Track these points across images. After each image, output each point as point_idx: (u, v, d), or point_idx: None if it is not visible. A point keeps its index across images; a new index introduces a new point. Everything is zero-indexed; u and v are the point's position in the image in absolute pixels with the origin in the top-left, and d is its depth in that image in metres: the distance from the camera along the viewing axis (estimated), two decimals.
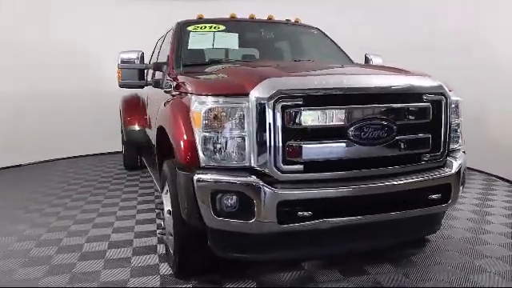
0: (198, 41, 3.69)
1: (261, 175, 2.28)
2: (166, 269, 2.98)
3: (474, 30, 5.73)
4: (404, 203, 2.47)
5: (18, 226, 3.96)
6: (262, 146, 2.28)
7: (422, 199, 2.53)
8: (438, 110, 2.58)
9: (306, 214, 2.25)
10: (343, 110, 2.33)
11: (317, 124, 2.31)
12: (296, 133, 2.29)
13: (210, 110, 2.34)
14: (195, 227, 2.52)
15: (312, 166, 2.31)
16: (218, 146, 2.34)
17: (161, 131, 3.07)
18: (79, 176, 6.27)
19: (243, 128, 2.31)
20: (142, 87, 3.69)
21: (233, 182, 2.27)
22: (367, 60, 4.14)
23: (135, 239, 3.58)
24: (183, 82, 2.83)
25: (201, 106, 2.38)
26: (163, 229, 2.91)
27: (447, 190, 2.59)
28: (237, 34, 3.82)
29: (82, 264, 3.10)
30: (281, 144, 2.26)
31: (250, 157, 2.31)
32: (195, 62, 3.43)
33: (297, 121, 2.28)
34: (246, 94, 2.31)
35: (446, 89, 2.62)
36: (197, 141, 2.38)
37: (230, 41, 3.75)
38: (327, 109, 2.31)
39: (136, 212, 4.37)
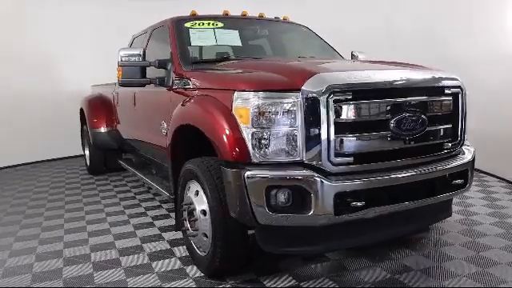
0: (199, 38, 3.60)
1: (312, 169, 2.32)
2: (194, 271, 2.88)
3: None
4: (435, 189, 2.65)
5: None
6: (313, 140, 2.30)
7: (449, 185, 2.72)
8: (456, 102, 2.79)
9: (358, 203, 2.32)
10: (386, 104, 2.43)
11: (364, 117, 2.38)
12: (346, 126, 2.33)
13: (259, 105, 2.32)
14: (241, 225, 2.49)
15: (359, 157, 2.38)
16: (269, 141, 2.32)
17: (179, 131, 2.97)
18: (42, 183, 5.82)
19: (294, 123, 2.31)
20: (143, 85, 3.51)
21: (290, 177, 2.27)
22: (353, 56, 4.31)
23: (144, 244, 3.41)
24: (210, 79, 2.76)
25: (247, 102, 2.35)
26: (195, 230, 2.80)
27: (466, 176, 2.81)
28: (237, 31, 3.78)
29: (102, 275, 2.88)
30: (333, 137, 2.30)
31: (300, 151, 2.33)
32: (202, 59, 3.34)
33: (346, 115, 2.33)
34: (297, 90, 2.32)
35: (462, 82, 2.84)
36: (246, 137, 2.35)
37: (232, 38, 3.70)
38: (373, 103, 2.40)
39: (127, 217, 4.15)
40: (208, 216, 2.62)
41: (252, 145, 2.33)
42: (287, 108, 2.31)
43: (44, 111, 7.32)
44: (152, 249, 3.31)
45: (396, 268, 2.83)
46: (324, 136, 2.29)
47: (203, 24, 3.75)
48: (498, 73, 5.25)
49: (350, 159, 2.35)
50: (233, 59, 3.36)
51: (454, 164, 2.72)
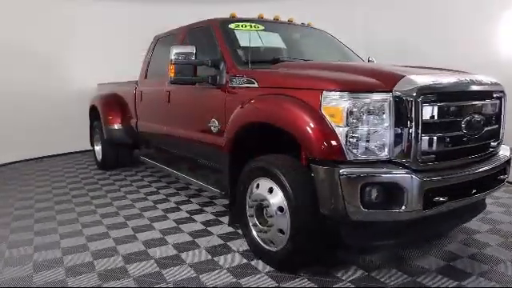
0: (245, 39, 3.33)
1: (401, 166, 2.18)
2: (261, 265, 2.64)
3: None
4: (489, 183, 2.60)
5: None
6: (402, 138, 2.17)
7: (496, 179, 2.69)
8: (500, 105, 2.76)
9: (441, 198, 2.21)
10: (460, 106, 2.36)
11: (444, 118, 2.29)
12: (430, 126, 2.23)
13: (354, 105, 2.15)
14: (323, 221, 2.30)
15: (439, 155, 2.28)
16: (362, 140, 2.16)
17: (243, 129, 2.73)
18: (58, 178, 5.27)
19: (385, 122, 2.16)
20: (194, 84, 3.20)
21: (385, 174, 2.12)
22: (369, 61, 4.22)
23: (196, 239, 3.11)
24: (286, 78, 2.54)
25: (340, 102, 2.17)
26: (269, 226, 2.55)
27: (506, 171, 2.80)
28: (277, 34, 3.55)
29: (171, 273, 2.57)
30: (420, 136, 2.18)
31: (389, 149, 2.18)
32: (255, 60, 3.07)
33: (431, 115, 2.23)
34: (389, 91, 2.17)
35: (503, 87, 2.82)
36: (338, 136, 2.17)
37: (275, 40, 3.47)
38: (452, 105, 2.31)
39: (163, 212, 3.81)
40: (286, 213, 2.40)
41: (345, 143, 2.15)
42: (379, 108, 2.16)
43: (46, 109, 6.68)
44: (206, 244, 3.02)
45: (448, 256, 2.75)
46: (413, 135, 2.17)
47: (245, 26, 3.49)
48: None
49: (433, 157, 2.25)
50: (285, 60, 3.13)
51: (502, 160, 2.70)
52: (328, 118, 2.20)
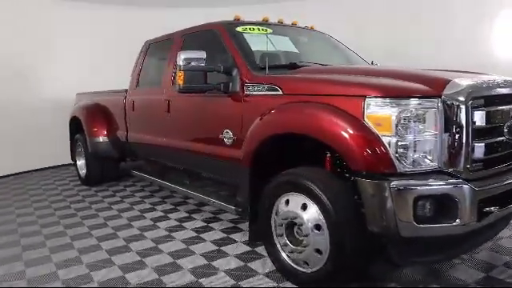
0: (256, 42, 3.11)
1: (452, 176, 2.03)
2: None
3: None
4: None
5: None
6: (452, 146, 2.02)
7: None
8: None
9: (492, 208, 2.07)
10: (503, 110, 2.23)
11: (490, 123, 2.14)
12: (479, 132, 2.09)
13: (403, 112, 1.97)
14: (368, 239, 2.11)
15: (486, 162, 2.15)
16: (413, 150, 1.99)
17: (268, 141, 2.50)
18: (38, 196, 4.79)
19: (435, 130, 2.01)
20: (204, 92, 2.94)
21: (440, 186, 1.96)
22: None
23: (213, 263, 2.82)
24: (318, 84, 2.34)
25: (387, 109, 2.00)
26: (304, 246, 2.32)
27: None
28: (287, 37, 3.35)
29: None
30: (471, 143, 2.03)
31: (439, 158, 2.03)
32: (270, 65, 2.85)
33: (480, 120, 2.08)
34: (437, 96, 2.02)
35: None
36: (387, 146, 1.99)
37: (286, 44, 3.27)
38: (497, 109, 2.19)
39: (166, 231, 3.49)
40: (324, 231, 2.20)
41: (395, 154, 1.98)
42: (430, 115, 2.00)
43: (18, 121, 6.14)
44: (225, 267, 2.76)
45: (482, 266, 2.64)
46: (463, 142, 2.02)
47: (253, 29, 3.28)
48: None
49: (481, 165, 2.11)
50: (303, 65, 2.93)
51: None
52: (373, 126, 2.02)
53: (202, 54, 2.82)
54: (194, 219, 3.80)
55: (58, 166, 6.73)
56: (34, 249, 3.22)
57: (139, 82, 4.33)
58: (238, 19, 3.44)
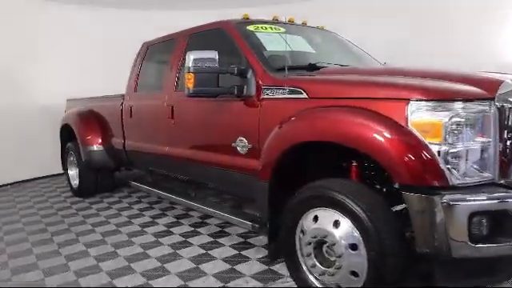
0: (270, 42, 2.87)
1: (506, 188, 1.81)
2: None
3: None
4: None
5: None
6: (505, 155, 1.81)
7: None
8: None
9: None
10: None
11: None
12: None
13: (455, 117, 1.75)
14: (412, 259, 1.87)
15: None
16: (466, 159, 1.76)
17: (292, 151, 2.25)
18: (27, 210, 4.43)
19: (489, 136, 1.79)
20: (215, 96, 2.68)
21: (499, 201, 1.73)
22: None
23: (227, 285, 2.56)
24: (350, 87, 2.11)
25: (436, 114, 1.77)
26: (337, 268, 2.07)
27: None
28: (300, 37, 3.12)
29: None
30: None
31: (493, 169, 1.81)
32: (290, 66, 2.59)
33: None
34: (491, 98, 1.80)
35: None
36: (436, 156, 1.75)
37: (301, 43, 3.04)
38: None
39: (173, 248, 3.20)
40: (363, 251, 1.95)
41: (447, 165, 1.74)
42: (484, 119, 1.77)
43: (5, 129, 5.77)
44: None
45: None
46: None
47: (266, 28, 3.03)
48: None
49: None
50: (324, 66, 2.70)
51: None
52: (419, 133, 1.79)
53: (214, 54, 2.56)
54: (200, 234, 3.51)
55: (47, 176, 6.35)
56: (25, 272, 2.90)
57: (137, 86, 4.04)
58: (247, 18, 3.20)
